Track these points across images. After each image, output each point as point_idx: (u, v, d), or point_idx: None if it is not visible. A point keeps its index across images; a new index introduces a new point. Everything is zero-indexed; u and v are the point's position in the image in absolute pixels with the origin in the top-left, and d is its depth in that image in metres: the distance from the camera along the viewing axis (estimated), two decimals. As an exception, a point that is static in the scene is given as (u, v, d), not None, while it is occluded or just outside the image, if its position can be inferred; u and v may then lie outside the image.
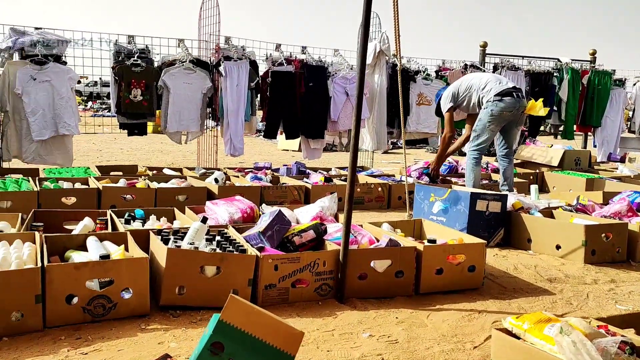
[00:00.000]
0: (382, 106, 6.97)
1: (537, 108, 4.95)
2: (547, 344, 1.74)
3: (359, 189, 5.30)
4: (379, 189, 5.41)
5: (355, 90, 2.60)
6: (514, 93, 4.88)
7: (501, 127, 5.03)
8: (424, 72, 7.49)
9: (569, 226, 3.80)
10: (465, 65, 7.97)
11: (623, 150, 8.81)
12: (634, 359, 1.68)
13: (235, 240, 2.80)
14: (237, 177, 5.45)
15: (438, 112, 5.57)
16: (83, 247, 2.69)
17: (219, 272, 2.46)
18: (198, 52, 6.31)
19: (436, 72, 7.81)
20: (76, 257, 2.55)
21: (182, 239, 2.64)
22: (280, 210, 2.94)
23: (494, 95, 4.89)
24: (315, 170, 6.16)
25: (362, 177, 5.87)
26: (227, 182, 5.01)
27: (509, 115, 4.91)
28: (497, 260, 3.59)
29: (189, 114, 5.98)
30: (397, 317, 2.57)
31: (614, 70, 8.80)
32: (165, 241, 2.61)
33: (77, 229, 3.05)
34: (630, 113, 9.35)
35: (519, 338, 1.85)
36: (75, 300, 2.26)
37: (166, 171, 5.59)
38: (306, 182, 5.37)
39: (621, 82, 8.87)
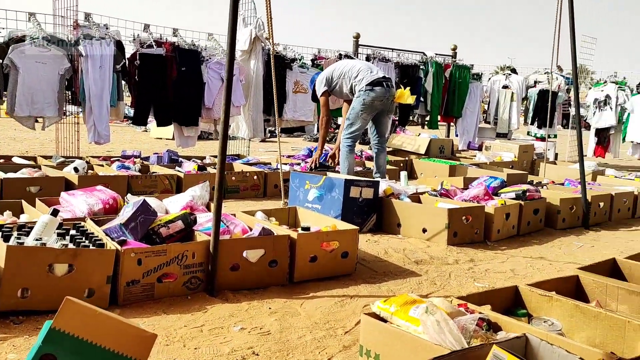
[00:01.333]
0: (258, 93, 6.86)
1: (406, 96, 5.12)
2: (412, 325, 1.78)
3: (234, 178, 5.17)
4: (255, 177, 5.32)
5: (225, 74, 2.47)
6: (384, 83, 5.02)
7: (373, 116, 5.17)
8: (300, 60, 7.51)
9: (433, 210, 4.00)
10: (340, 55, 8.11)
11: (480, 139, 9.53)
12: (490, 334, 1.77)
13: (92, 234, 2.56)
14: (102, 166, 5.06)
15: (314, 97, 5.60)
16: None
17: (72, 270, 2.22)
18: (53, 29, 5.72)
19: (312, 60, 7.87)
20: None
21: (27, 234, 2.35)
22: (144, 199, 2.74)
23: (366, 85, 5.00)
24: (188, 158, 5.91)
25: (238, 166, 5.74)
26: (89, 171, 4.62)
27: (380, 104, 5.06)
28: (369, 245, 3.68)
29: (43, 96, 5.41)
30: (270, 308, 2.52)
31: (472, 65, 9.48)
32: (6, 238, 2.31)
33: None
34: (486, 106, 10.16)
35: (386, 321, 1.87)
36: None
37: (16, 160, 5.03)
38: (178, 170, 5.13)
39: (478, 77, 9.59)
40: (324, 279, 2.96)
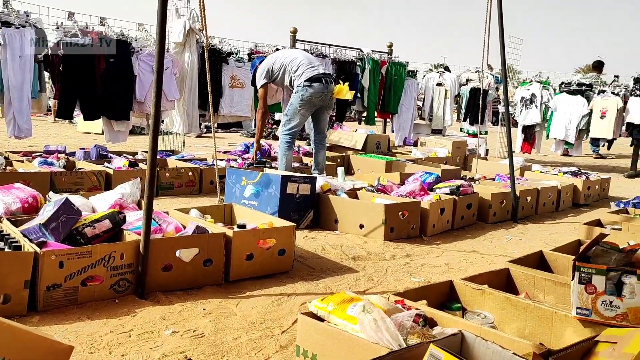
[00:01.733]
0: (193, 87, 6.67)
1: (344, 92, 5.08)
2: (350, 324, 1.76)
3: (167, 174, 5.00)
4: (190, 173, 5.17)
5: (155, 65, 2.36)
6: (323, 79, 4.98)
7: (312, 112, 5.13)
8: (236, 54, 7.36)
9: (370, 206, 4.02)
10: (277, 49, 8.02)
11: (416, 135, 9.73)
12: (426, 329, 1.78)
13: (9, 235, 2.37)
14: (22, 162, 4.75)
15: (254, 82, 5.47)
16: None
17: (-15, 276, 2.05)
18: (-33, 15, 5.30)
19: (249, 54, 7.73)
20: None
21: None
22: (67, 197, 2.57)
23: (304, 81, 4.95)
24: (119, 154, 5.66)
25: (172, 162, 5.56)
26: (7, 167, 4.32)
27: (319, 101, 5.02)
28: (306, 242, 3.65)
29: (-45, 87, 5.01)
30: (204, 309, 2.43)
31: (408, 62, 9.65)
32: None
33: None
34: (420, 102, 10.37)
35: (323, 320, 1.84)
36: None
37: None
38: (107, 167, 4.90)
39: (413, 74, 9.77)
40: (260, 277, 2.90)
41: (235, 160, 5.89)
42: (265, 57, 5.62)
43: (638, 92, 8.16)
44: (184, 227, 2.92)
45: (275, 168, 5.31)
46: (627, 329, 1.71)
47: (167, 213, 3.17)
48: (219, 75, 6.96)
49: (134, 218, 2.85)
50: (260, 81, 5.24)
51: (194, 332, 2.18)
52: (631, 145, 8.96)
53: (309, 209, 4.05)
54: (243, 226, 3.06)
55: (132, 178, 3.52)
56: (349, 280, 3.00)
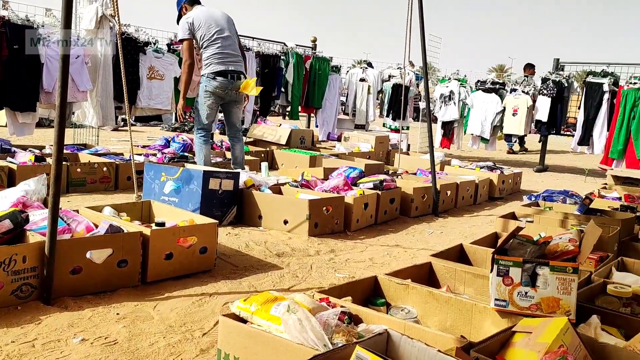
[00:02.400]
0: (107, 77, 6.32)
1: (250, 87, 4.88)
2: (274, 325, 1.70)
3: (79, 169, 4.71)
4: (105, 168, 4.89)
5: (60, 51, 2.17)
6: (229, 74, 4.82)
7: (219, 104, 4.96)
8: (154, 44, 7.06)
9: (294, 201, 3.97)
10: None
11: (339, 130, 9.81)
12: (352, 327, 1.75)
13: None
14: None
15: (179, 19, 5.06)
16: None
17: None
18: None
19: (168, 45, 7.45)
20: None
21: None
22: (-39, 197, 2.33)
23: (209, 73, 4.81)
24: (24, 148, 5.27)
25: (85, 156, 5.24)
26: None
27: (223, 94, 4.87)
28: (229, 239, 3.55)
29: None
30: (118, 314, 2.28)
31: (332, 58, 9.69)
32: None
33: None
34: (343, 98, 10.45)
35: (247, 322, 1.77)
36: None
37: None
38: (11, 161, 4.53)
39: (337, 69, 9.83)
40: (181, 277, 2.78)
41: (154, 155, 5.65)
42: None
43: (545, 92, 8.64)
44: (96, 227, 2.73)
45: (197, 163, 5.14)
46: (541, 319, 1.77)
47: (78, 211, 2.96)
48: (135, 66, 6.64)
49: (39, 217, 2.63)
50: (181, 35, 4.87)
51: (105, 340, 2.04)
52: (539, 142, 9.51)
53: (232, 205, 3.94)
54: (162, 224, 2.92)
55: (38, 174, 3.28)
56: (273, 278, 2.94)
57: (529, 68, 10.26)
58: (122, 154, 5.69)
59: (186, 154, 5.80)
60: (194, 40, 4.87)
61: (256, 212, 3.96)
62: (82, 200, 4.22)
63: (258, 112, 9.05)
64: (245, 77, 4.97)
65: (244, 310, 1.80)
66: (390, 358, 1.13)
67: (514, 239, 2.03)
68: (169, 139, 6.41)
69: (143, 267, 2.66)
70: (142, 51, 6.77)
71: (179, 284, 2.70)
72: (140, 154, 5.47)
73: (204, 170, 3.81)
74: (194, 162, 5.18)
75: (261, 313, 1.76)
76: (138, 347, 2.00)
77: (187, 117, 4.93)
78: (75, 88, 5.89)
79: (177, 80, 7.25)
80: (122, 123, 11.09)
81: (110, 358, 1.90)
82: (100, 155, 5.40)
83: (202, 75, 4.86)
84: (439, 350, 1.15)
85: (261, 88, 4.82)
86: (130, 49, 6.51)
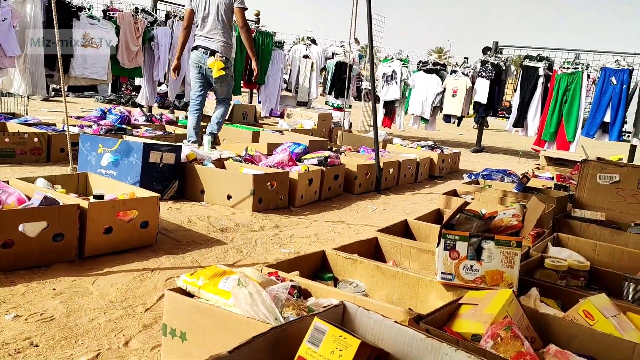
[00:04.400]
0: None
1: (215, 70, 5.08)
2: (222, 299, 1.66)
3: (7, 139, 4.44)
4: (36, 139, 4.62)
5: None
6: (202, 49, 5.11)
7: (203, 76, 5.19)
8: (89, 9, 6.69)
9: (238, 176, 3.90)
10: (136, 9, 7.45)
11: (282, 106, 9.72)
12: (301, 301, 1.74)
13: None
14: None
15: None
16: None
17: None
18: None
19: (104, 11, 7.08)
20: None
21: None
22: None
23: (192, 46, 5.22)
24: (-56, 115, 4.89)
25: (13, 125, 4.93)
26: None
27: (199, 67, 5.17)
28: (171, 214, 3.45)
29: None
30: (54, 289, 2.17)
31: (275, 33, 9.53)
32: None
33: None
34: (286, 75, 10.33)
35: (193, 296, 1.72)
36: None
37: None
38: None
39: (281, 45, 9.69)
40: (121, 252, 2.68)
41: (89, 126, 5.39)
42: None
43: (484, 74, 8.89)
44: (29, 199, 2.58)
45: (136, 136, 4.96)
46: (486, 291, 1.82)
47: (8, 183, 2.78)
48: (69, 32, 6.28)
49: (-36, 188, 2.45)
50: (186, 4, 5.23)
51: (41, 316, 1.93)
52: (477, 122, 9.80)
53: (174, 179, 3.83)
54: (101, 197, 2.79)
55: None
56: (217, 253, 2.88)
57: (487, 51, 10.51)
58: (54, 125, 5.40)
59: (124, 126, 5.57)
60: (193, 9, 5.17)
61: (199, 186, 3.86)
62: (12, 172, 3.97)
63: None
64: (220, 57, 5.13)
65: (190, 284, 1.75)
66: (347, 329, 1.12)
67: (462, 213, 2.08)
68: (105, 111, 6.13)
69: (80, 242, 2.54)
70: (76, 17, 6.41)
71: (119, 259, 2.60)
72: (74, 125, 5.21)
73: (144, 143, 3.67)
74: (133, 135, 4.99)
75: (209, 287, 1.71)
76: (77, 324, 1.91)
77: (177, 76, 5.52)
78: (2, 53, 5.51)
79: (114, 49, 6.93)
80: (53, 93, 10.51)
81: (47, 334, 1.80)
82: (30, 125, 5.09)
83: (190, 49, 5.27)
84: (395, 321, 1.16)
85: (222, 73, 5.09)
86: (63, 14, 6.14)
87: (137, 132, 5.40)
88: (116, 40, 6.92)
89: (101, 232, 2.61)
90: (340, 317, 1.27)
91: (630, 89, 7.75)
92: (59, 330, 1.85)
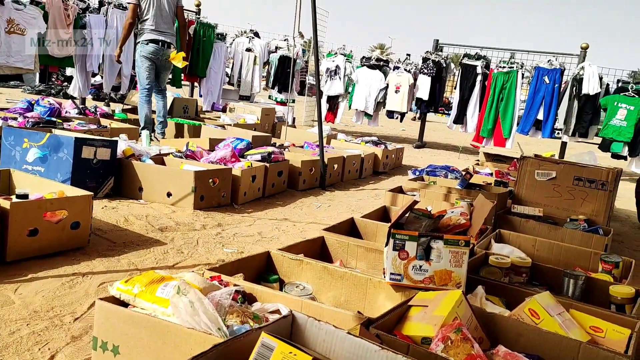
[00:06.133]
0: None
1: (177, 60, 5.35)
2: (160, 307, 1.54)
3: None
4: (-48, 132, 4.25)
5: None
6: (159, 42, 5.38)
7: (152, 68, 5.45)
8: (14, -6, 6.24)
9: (179, 173, 3.74)
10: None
11: (225, 100, 9.49)
12: (246, 306, 1.65)
13: None
14: None
15: None
16: None
17: None
18: None
19: (30, -4, 6.63)
20: None
21: None
22: None
23: (143, 40, 5.35)
24: None
25: None
26: None
27: (154, 58, 5.42)
28: (106, 213, 3.25)
29: None
30: (-30, 299, 1.97)
31: (217, 25, 9.28)
32: None
33: None
34: (228, 69, 10.09)
35: (128, 305, 1.59)
36: None
37: None
38: None
39: (222, 37, 9.44)
40: (49, 255, 2.49)
41: (14, 119, 5.02)
42: None
43: (425, 71, 9.01)
44: (-58, 199, 2.34)
45: (67, 130, 4.67)
46: (436, 292, 1.79)
47: None
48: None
49: None
50: None
51: (-45, 330, 1.74)
52: (419, 119, 9.95)
53: (109, 176, 3.62)
54: (24, 196, 2.57)
55: None
56: (156, 254, 2.73)
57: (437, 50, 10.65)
58: (-26, 117, 4.99)
59: (54, 119, 5.23)
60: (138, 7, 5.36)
61: (136, 183, 3.67)
62: None
63: (136, 78, 8.44)
64: (175, 49, 5.51)
65: (125, 292, 1.62)
66: (297, 342, 1.04)
67: (411, 212, 2.04)
68: (32, 102, 5.73)
69: (1, 246, 2.33)
70: (0, 1, 5.96)
71: (46, 264, 2.41)
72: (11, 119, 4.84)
73: (75, 137, 3.44)
74: (63, 129, 4.69)
75: (145, 295, 1.59)
76: (-4, 338, 1.73)
77: (121, 62, 6.02)
78: None
79: (41, 36, 6.52)
80: (-25, 82, 9.83)
81: (-41, 353, 1.63)
82: (-54, 116, 4.69)
83: (137, 42, 5.43)
84: (348, 332, 1.09)
85: (186, 63, 5.48)
86: (-15, -3, 5.71)
87: (69, 125, 5.08)
88: (45, 27, 6.51)
89: (25, 235, 2.41)
90: (289, 329, 1.18)
91: (562, 88, 8.07)
92: (-25, 345, 1.68)
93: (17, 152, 3.48)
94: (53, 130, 4.06)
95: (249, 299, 1.77)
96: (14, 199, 2.54)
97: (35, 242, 2.45)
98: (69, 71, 8.02)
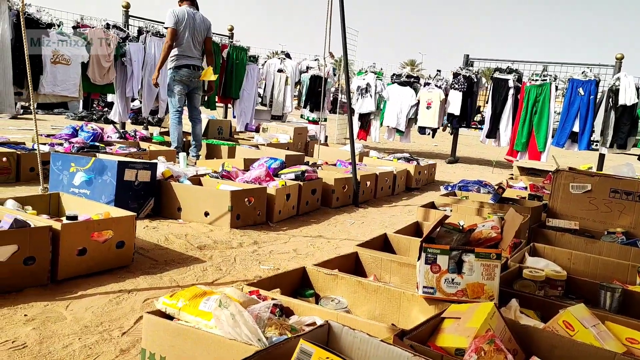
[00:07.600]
0: (6, 61, 5.81)
1: (209, 75, 5.82)
2: (203, 320, 1.63)
3: (-26, 160, 4.30)
4: (4, 159, 4.50)
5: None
6: (191, 66, 5.76)
7: (185, 91, 5.81)
8: (59, 26, 6.58)
9: (215, 192, 3.86)
10: (108, 24, 7.36)
11: (258, 120, 9.69)
12: (283, 319, 1.72)
13: None
14: None
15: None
16: None
17: None
18: None
19: (74, 27, 6.98)
20: None
21: None
22: None
23: (173, 68, 5.71)
24: None
25: (-20, 145, 4.80)
26: None
27: (187, 81, 5.78)
28: (147, 233, 3.39)
29: None
30: (26, 315, 2.10)
31: (249, 47, 9.53)
32: None
33: None
34: (261, 89, 10.30)
35: (173, 318, 1.68)
36: None
37: None
38: None
39: (255, 59, 9.68)
40: (96, 273, 2.61)
41: (60, 144, 5.28)
42: None
43: (456, 86, 9.02)
44: (-1, 221, 2.50)
45: (109, 154, 4.88)
46: (469, 305, 1.82)
47: (-24, 205, 2.69)
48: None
49: None
50: (168, 21, 5.68)
51: (13, 344, 1.87)
52: (451, 134, 9.93)
53: (149, 197, 3.77)
54: (74, 217, 2.72)
55: None
56: (196, 272, 2.83)
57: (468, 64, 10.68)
58: (23, 144, 5.27)
59: (97, 143, 5.47)
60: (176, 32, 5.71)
61: (175, 204, 3.81)
62: (-21, 193, 3.86)
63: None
64: (203, 69, 5.94)
65: (170, 306, 1.71)
66: (333, 349, 1.10)
67: (441, 227, 2.08)
68: (77, 128, 6.02)
69: (53, 265, 2.47)
70: (45, 33, 6.29)
71: (94, 282, 2.54)
72: (44, 144, 5.09)
73: (118, 161, 3.61)
74: (106, 152, 4.91)
75: (189, 309, 1.68)
76: (50, 350, 1.85)
77: (159, 86, 6.29)
78: (-32, 70, 5.38)
79: (84, 66, 6.83)
80: (22, 110, 10.30)
81: (19, 364, 1.74)
82: (-2, 144, 4.97)
83: (170, 69, 5.77)
84: (382, 340, 1.15)
85: (217, 76, 5.73)
86: (32, 31, 6.03)
87: (111, 149, 5.31)
88: (87, 56, 6.83)
89: (75, 254, 2.54)
90: (325, 337, 1.25)
91: (597, 99, 7.95)
92: (32, 358, 1.79)
93: (65, 176, 3.67)
94: (97, 154, 4.25)
95: (286, 312, 1.84)
96: (64, 220, 2.69)
97: (83, 261, 2.58)
98: (110, 97, 8.34)
